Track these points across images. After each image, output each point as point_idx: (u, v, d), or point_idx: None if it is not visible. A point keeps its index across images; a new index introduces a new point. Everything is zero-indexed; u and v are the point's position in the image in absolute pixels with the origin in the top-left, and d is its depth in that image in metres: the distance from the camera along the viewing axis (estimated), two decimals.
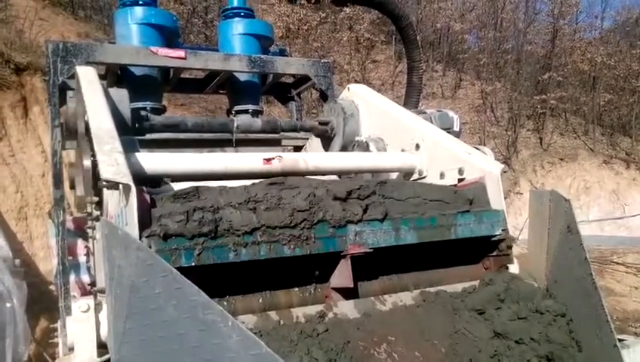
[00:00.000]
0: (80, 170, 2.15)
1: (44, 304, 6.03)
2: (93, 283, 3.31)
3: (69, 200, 3.52)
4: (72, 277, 3.35)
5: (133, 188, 1.57)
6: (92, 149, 2.00)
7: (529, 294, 2.05)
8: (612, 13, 24.06)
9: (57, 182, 2.92)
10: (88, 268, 3.66)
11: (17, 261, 5.90)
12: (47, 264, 6.35)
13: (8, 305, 5.50)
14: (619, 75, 19.11)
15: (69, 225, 3.52)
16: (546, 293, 2.08)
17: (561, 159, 16.83)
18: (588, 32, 21.72)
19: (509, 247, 2.26)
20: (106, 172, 1.61)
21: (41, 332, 5.88)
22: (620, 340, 1.90)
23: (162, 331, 1.31)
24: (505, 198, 2.32)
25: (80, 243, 3.72)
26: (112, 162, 1.67)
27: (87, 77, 2.40)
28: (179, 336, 1.30)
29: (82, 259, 3.73)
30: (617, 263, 9.80)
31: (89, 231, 3.11)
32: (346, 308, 1.95)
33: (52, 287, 6.14)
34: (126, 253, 1.33)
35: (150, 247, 1.57)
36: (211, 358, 1.25)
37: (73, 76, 2.76)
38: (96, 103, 2.12)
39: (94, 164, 1.98)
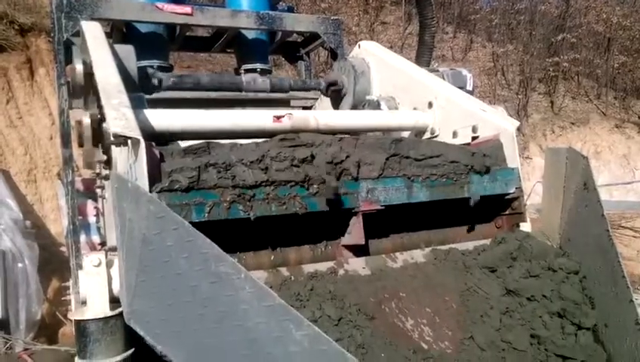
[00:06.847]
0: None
1: (55, 265, 6.11)
2: (103, 243, 3.34)
3: (77, 161, 3.51)
4: (83, 237, 3.37)
5: (142, 142, 1.54)
6: (99, 106, 1.97)
7: (542, 252, 2.03)
8: None
9: (66, 141, 2.91)
10: (98, 229, 3.69)
11: (28, 222, 5.96)
12: (58, 226, 6.40)
13: (20, 265, 5.60)
14: (634, 37, 18.61)
15: (78, 186, 3.52)
16: (560, 251, 2.06)
17: (572, 123, 16.56)
18: None
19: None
20: (114, 126, 1.58)
21: (53, 292, 5.98)
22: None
23: (174, 283, 1.31)
24: None
25: (89, 204, 3.73)
26: (120, 116, 1.64)
27: (93, 32, 2.34)
28: (191, 289, 1.29)
29: (92, 219, 3.75)
30: (625, 227, 9.78)
31: (98, 190, 3.12)
32: (357, 265, 1.94)
33: (63, 249, 6.20)
34: (137, 206, 1.32)
35: None
36: (224, 310, 1.25)
37: (78, 33, 2.71)
38: (102, 58, 2.07)
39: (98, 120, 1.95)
